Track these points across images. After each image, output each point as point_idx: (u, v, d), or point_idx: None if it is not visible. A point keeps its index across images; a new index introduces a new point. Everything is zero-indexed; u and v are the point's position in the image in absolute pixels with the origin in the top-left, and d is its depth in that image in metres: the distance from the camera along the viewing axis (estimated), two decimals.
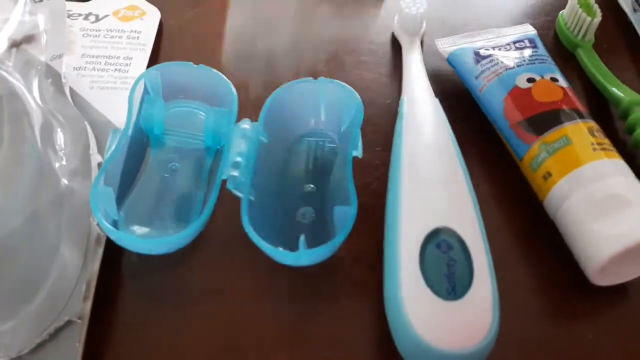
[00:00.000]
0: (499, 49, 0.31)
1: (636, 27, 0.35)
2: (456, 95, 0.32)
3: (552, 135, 0.26)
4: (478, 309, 0.20)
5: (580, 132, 0.25)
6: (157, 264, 0.25)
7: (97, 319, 0.23)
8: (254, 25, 0.36)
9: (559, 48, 0.35)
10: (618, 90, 0.30)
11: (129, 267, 0.25)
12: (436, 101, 0.29)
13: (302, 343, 0.23)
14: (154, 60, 0.33)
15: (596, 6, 0.33)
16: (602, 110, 0.31)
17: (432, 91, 0.30)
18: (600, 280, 0.24)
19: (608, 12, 0.37)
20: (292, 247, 0.22)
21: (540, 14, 0.37)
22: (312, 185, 0.27)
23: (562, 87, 0.28)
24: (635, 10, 0.36)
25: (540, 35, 0.34)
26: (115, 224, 0.24)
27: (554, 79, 0.28)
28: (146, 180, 0.26)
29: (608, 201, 0.23)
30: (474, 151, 0.29)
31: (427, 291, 0.20)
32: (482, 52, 0.31)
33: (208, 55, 0.34)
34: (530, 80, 0.28)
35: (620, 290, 0.25)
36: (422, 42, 0.34)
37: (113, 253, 0.25)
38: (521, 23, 0.34)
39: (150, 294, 0.25)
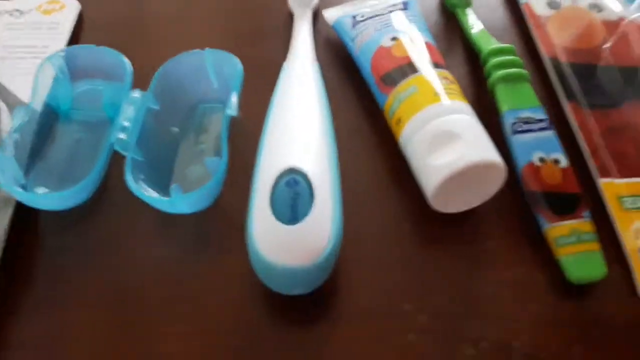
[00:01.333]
0: (375, 14, 0.34)
1: None
2: (341, 58, 0.35)
3: (403, 85, 0.29)
4: (315, 233, 0.24)
5: (426, 80, 0.29)
6: (63, 220, 0.29)
7: (9, 271, 0.27)
8: (165, 9, 0.39)
9: (443, 9, 0.38)
10: (482, 43, 0.33)
11: (41, 224, 0.29)
12: (315, 64, 0.32)
13: (186, 280, 0.27)
14: None
15: None
16: (476, 62, 0.34)
17: (314, 56, 0.33)
18: (445, 207, 0.27)
19: None
20: None
21: None
22: (204, 145, 0.31)
23: (423, 42, 0.31)
24: None
25: None
26: (24, 187, 0.28)
27: (415, 36, 0.31)
28: (54, 150, 0.30)
29: (440, 136, 0.26)
30: (349, 104, 0.33)
31: (272, 218, 0.24)
32: (358, 17, 0.34)
33: (124, 40, 0.37)
34: (393, 39, 0.31)
35: (461, 217, 0.28)
36: (317, 13, 0.38)
37: (25, 212, 0.29)
38: None
39: (58, 248, 0.29)
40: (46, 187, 0.29)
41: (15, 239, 0.28)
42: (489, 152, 0.26)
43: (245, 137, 0.31)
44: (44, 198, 0.27)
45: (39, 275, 0.28)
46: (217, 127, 0.31)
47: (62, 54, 0.31)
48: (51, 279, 0.27)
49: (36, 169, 0.29)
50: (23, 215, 0.29)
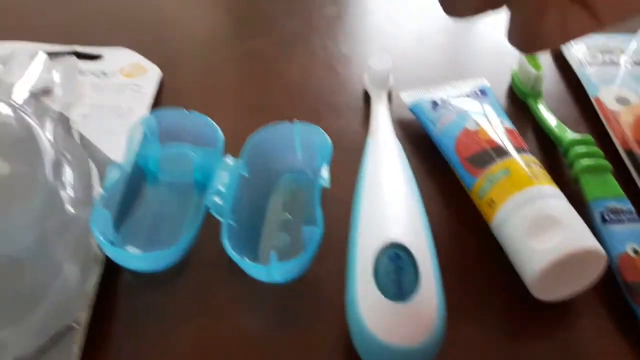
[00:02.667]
0: (455, 98, 0.35)
1: (581, 79, 0.39)
2: (417, 137, 0.36)
3: (494, 167, 0.29)
4: (423, 311, 0.23)
5: (518, 164, 0.29)
6: (147, 281, 0.28)
7: (94, 329, 0.26)
8: (242, 80, 0.41)
9: (514, 98, 0.39)
10: (560, 133, 0.34)
11: (125, 285, 0.29)
12: (397, 141, 0.33)
13: (273, 350, 0.26)
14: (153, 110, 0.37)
15: (540, 61, 0.37)
16: (551, 150, 0.35)
17: (394, 134, 0.34)
18: (543, 294, 0.27)
19: (558, 65, 0.42)
20: None
21: (499, 69, 0.41)
22: (288, 215, 0.31)
23: (506, 128, 0.32)
24: (581, 65, 0.40)
25: (497, 87, 0.39)
26: (112, 244, 0.28)
27: (500, 122, 0.32)
28: (142, 210, 0.30)
29: (540, 221, 0.27)
30: (430, 182, 0.33)
31: (378, 294, 0.24)
32: (439, 101, 0.35)
33: (201, 106, 0.38)
34: (477, 122, 0.32)
35: (563, 307, 0.28)
36: (391, 94, 0.39)
37: (111, 272, 0.28)
38: (484, 76, 0.39)
39: (142, 308, 0.28)
40: (134, 246, 0.28)
41: (99, 298, 0.27)
42: (591, 240, 0.26)
43: (330, 208, 0.31)
44: (137, 258, 0.27)
45: (122, 336, 0.27)
46: (302, 197, 0.31)
47: (154, 116, 0.32)
48: (134, 340, 0.26)
49: (124, 228, 0.29)
50: (108, 273, 0.28)
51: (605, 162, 0.31)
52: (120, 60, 0.40)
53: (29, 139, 0.31)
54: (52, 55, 0.38)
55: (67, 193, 0.29)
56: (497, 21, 0.46)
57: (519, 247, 0.27)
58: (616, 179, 0.32)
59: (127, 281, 0.29)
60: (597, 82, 0.39)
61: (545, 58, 0.42)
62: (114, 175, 0.29)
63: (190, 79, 0.40)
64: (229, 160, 0.30)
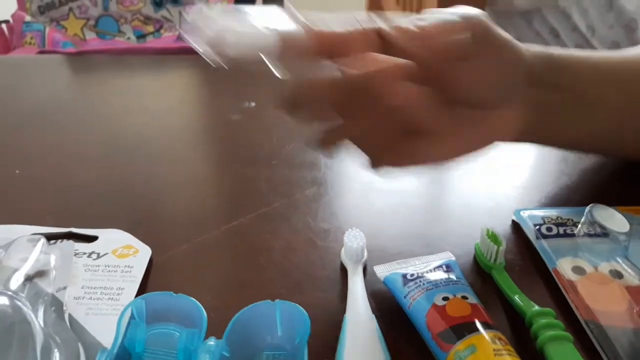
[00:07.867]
0: (423, 273, 0.38)
1: (539, 251, 0.43)
2: (392, 310, 0.38)
3: (462, 344, 0.31)
4: None
5: (484, 341, 0.31)
6: None
7: None
8: (229, 257, 0.43)
9: (478, 269, 0.42)
10: (523, 305, 0.37)
11: None
12: (373, 318, 0.35)
13: None
14: (142, 289, 0.39)
15: (501, 237, 0.41)
16: (516, 320, 0.37)
17: (369, 309, 0.36)
18: None
19: (518, 238, 0.46)
20: None
21: (463, 242, 0.45)
22: None
23: (471, 304, 0.34)
24: (537, 237, 0.44)
25: (463, 259, 0.42)
26: None
27: (464, 297, 0.35)
28: None
29: None
30: (406, 357, 0.35)
31: None
32: (409, 276, 0.38)
33: (188, 284, 0.40)
34: (445, 298, 0.35)
35: None
36: (365, 268, 0.42)
37: None
38: (447, 250, 0.42)
39: None
40: None
41: None
42: None
43: None
44: None
45: None
46: None
47: (143, 300, 0.34)
48: None
49: None
50: None
51: (566, 334, 0.34)
52: (113, 242, 0.43)
53: (21, 324, 0.32)
54: (50, 238, 0.41)
55: None
56: (463, 197, 0.51)
57: None
58: (579, 348, 0.34)
59: None
60: (554, 253, 0.42)
61: (504, 230, 0.46)
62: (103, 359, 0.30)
63: (180, 257, 0.43)
64: (212, 342, 0.32)
